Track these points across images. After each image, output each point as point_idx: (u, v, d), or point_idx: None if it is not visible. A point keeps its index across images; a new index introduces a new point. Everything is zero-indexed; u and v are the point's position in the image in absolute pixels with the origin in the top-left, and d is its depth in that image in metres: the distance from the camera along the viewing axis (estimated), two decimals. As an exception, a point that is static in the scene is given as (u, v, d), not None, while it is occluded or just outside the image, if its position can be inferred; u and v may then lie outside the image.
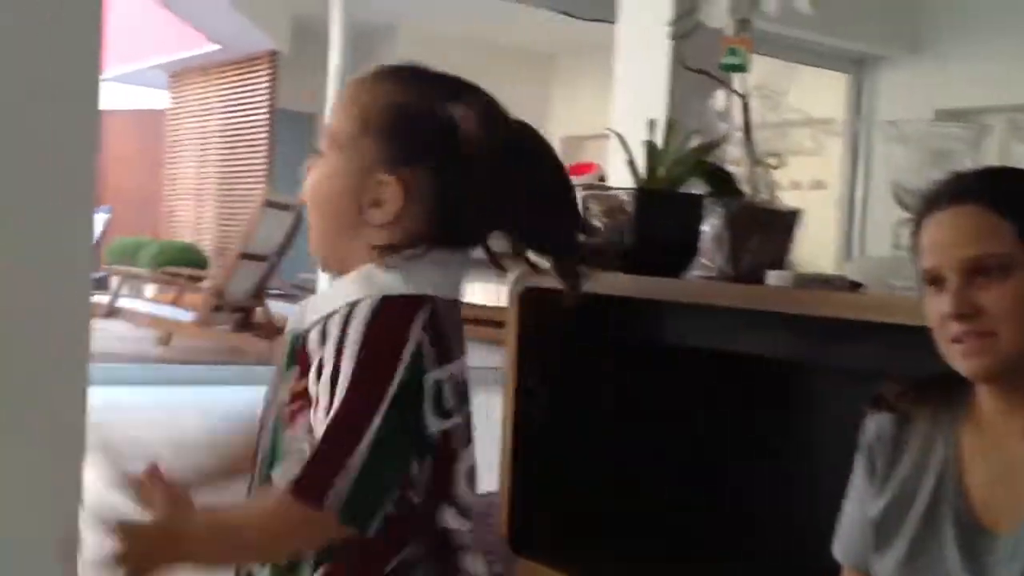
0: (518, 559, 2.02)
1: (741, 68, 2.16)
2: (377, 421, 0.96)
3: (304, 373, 1.04)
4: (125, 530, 0.94)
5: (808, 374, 2.09)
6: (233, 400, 5.33)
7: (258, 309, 7.23)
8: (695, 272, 2.17)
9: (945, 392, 1.27)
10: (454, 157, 1.04)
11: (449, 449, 1.05)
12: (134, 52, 10.09)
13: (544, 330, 2.05)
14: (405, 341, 0.98)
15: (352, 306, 1.01)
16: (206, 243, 10.15)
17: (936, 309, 1.19)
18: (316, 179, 1.09)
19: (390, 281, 1.02)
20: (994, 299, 1.15)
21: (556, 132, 9.57)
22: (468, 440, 1.09)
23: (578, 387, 2.11)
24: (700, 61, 2.36)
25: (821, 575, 1.39)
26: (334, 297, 1.05)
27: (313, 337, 1.04)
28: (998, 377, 1.19)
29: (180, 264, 9.02)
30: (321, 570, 1.02)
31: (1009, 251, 1.15)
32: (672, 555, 2.10)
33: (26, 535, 1.77)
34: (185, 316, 7.14)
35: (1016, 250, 1.15)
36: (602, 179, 9.38)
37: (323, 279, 1.08)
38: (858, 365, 1.79)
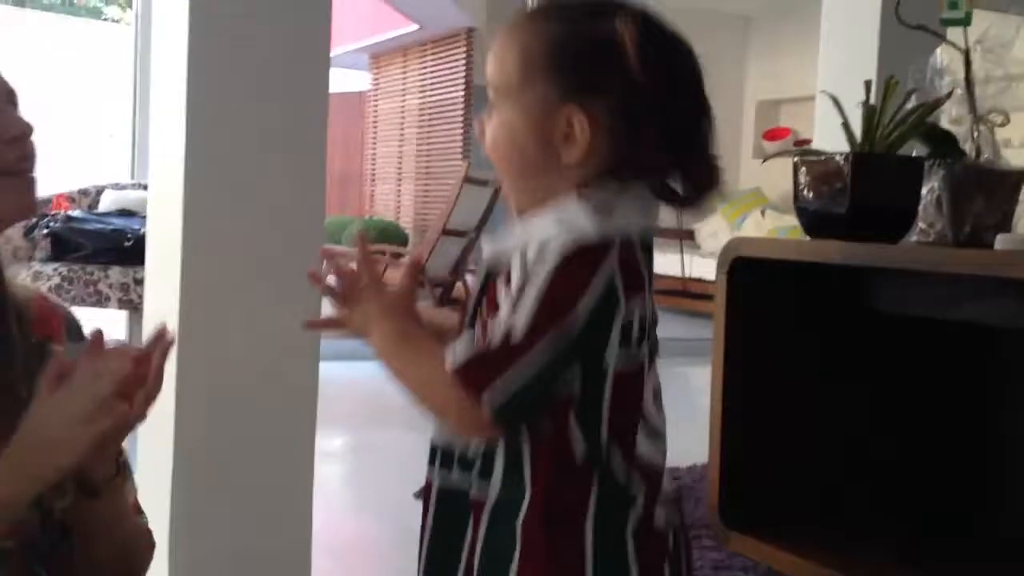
0: (730, 533, 2.01)
1: (964, 21, 2.05)
2: (553, 339, 0.97)
3: (492, 306, 1.04)
4: (374, 286, 1.06)
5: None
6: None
7: (457, 284, 7.39)
8: (913, 238, 2.09)
9: None
10: (624, 77, 1.01)
11: (636, 376, 1.04)
12: (337, 36, 10.44)
13: (754, 300, 2.02)
14: (590, 281, 0.98)
15: (544, 244, 1.00)
16: (406, 221, 10.45)
17: None
18: (494, 131, 1.08)
19: (584, 224, 1.00)
20: None
21: (752, 96, 9.35)
22: (651, 363, 1.07)
23: (789, 358, 2.07)
24: (916, 16, 2.26)
25: None
26: (526, 233, 1.03)
27: (515, 263, 1.03)
28: None
29: (383, 242, 9.32)
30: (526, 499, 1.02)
31: None
32: (886, 529, 2.03)
33: (268, 493, 1.89)
34: (389, 291, 7.37)
35: None
36: (796, 143, 9.10)
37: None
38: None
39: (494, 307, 1.03)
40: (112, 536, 1.14)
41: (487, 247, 1.08)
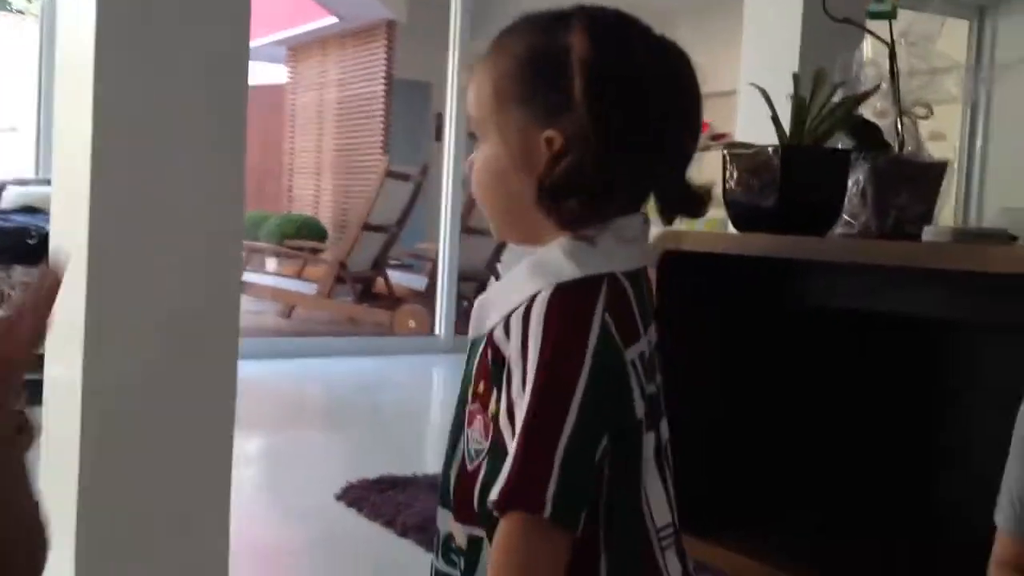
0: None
1: (890, 15, 2.05)
2: (573, 415, 0.88)
3: (484, 375, 0.97)
4: None
5: (964, 333, 1.98)
6: (356, 371, 5.42)
7: (379, 279, 7.31)
8: (839, 230, 2.09)
9: None
10: (589, 91, 0.92)
11: (641, 425, 0.96)
12: (254, 28, 10.25)
13: (685, 294, 1.99)
14: (588, 330, 0.90)
15: (532, 299, 0.93)
16: (325, 216, 10.32)
17: None
18: (478, 168, 1.01)
19: (563, 266, 0.93)
20: None
21: (672, 93, 9.42)
22: (660, 414, 1.00)
23: (722, 353, 2.05)
24: (840, 10, 2.26)
25: (978, 544, 1.31)
26: (511, 291, 0.97)
27: (498, 335, 0.96)
28: None
29: (301, 237, 9.19)
30: None
31: None
32: (824, 525, 2.03)
33: (181, 497, 1.81)
34: (307, 288, 7.26)
35: None
36: (714, 137, 9.28)
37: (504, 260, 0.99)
38: (1018, 322, 1.69)
39: (484, 372, 0.97)
40: (8, 510, 1.01)
41: (474, 311, 1.01)
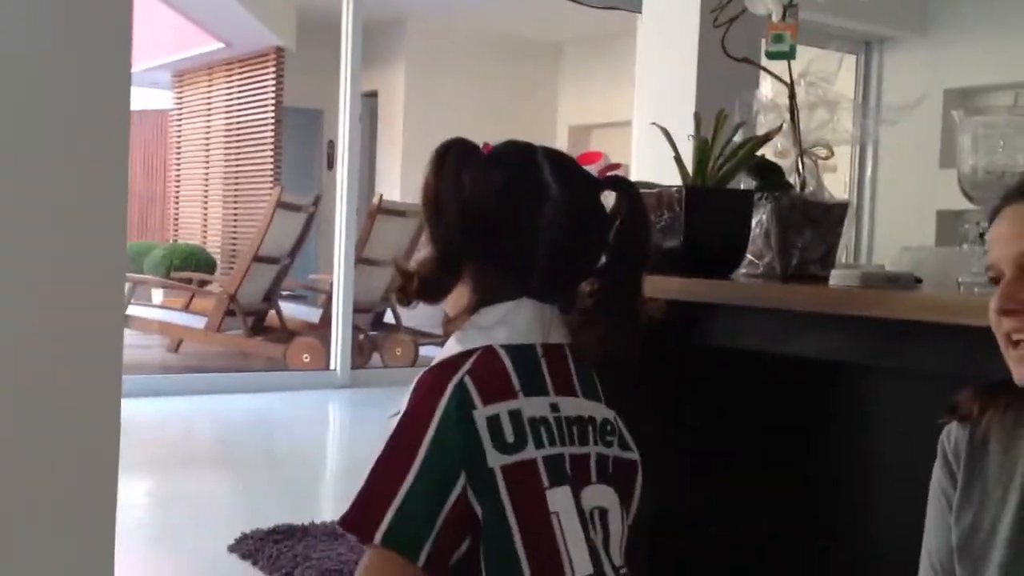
0: None
1: (789, 55, 2.06)
2: (418, 459, 1.05)
3: None
4: None
5: (870, 377, 1.99)
6: (248, 408, 5.26)
7: (271, 312, 7.14)
8: (743, 270, 2.08)
9: (1022, 399, 1.18)
10: (466, 211, 1.14)
11: (530, 485, 1.06)
12: (136, 52, 9.98)
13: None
14: (441, 395, 1.07)
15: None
16: (213, 246, 10.07)
17: (991, 306, 1.14)
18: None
19: (449, 346, 1.14)
20: None
21: (564, 121, 9.49)
22: (585, 479, 1.11)
23: (632, 394, 2.02)
24: (734, 49, 2.27)
25: None
26: None
27: None
28: None
29: (188, 268, 8.93)
30: None
31: None
32: (723, 559, 2.01)
33: (60, 548, 1.70)
34: (196, 322, 7.05)
35: None
36: (608, 167, 9.42)
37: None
38: (925, 367, 1.69)
39: None
40: None
41: None
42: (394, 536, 1.04)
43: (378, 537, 1.04)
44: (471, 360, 1.10)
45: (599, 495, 1.12)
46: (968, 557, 1.19)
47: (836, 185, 6.14)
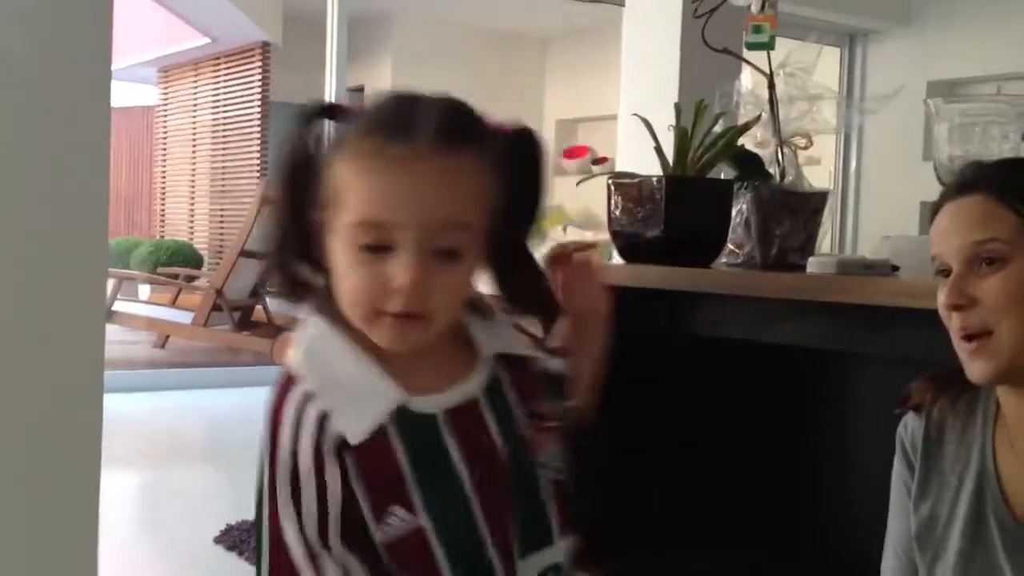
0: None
1: (768, 46, 2.07)
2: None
3: (533, 396, 1.09)
4: None
5: (848, 363, 2.01)
6: (236, 403, 5.25)
7: (257, 307, 7.14)
8: (724, 259, 2.10)
9: (974, 387, 1.19)
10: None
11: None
12: (121, 48, 9.95)
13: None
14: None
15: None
16: (200, 242, 10.05)
17: (940, 300, 1.15)
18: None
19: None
20: (988, 289, 1.10)
21: (551, 115, 9.49)
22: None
23: (609, 384, 2.03)
24: (717, 40, 2.28)
25: (850, 568, 1.31)
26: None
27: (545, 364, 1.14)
28: (1005, 379, 1.13)
29: (175, 264, 8.92)
30: None
31: (1007, 240, 1.10)
32: (703, 545, 2.02)
33: (43, 543, 1.70)
34: (182, 317, 7.04)
35: (1016, 240, 1.10)
36: (595, 161, 9.35)
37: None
38: (902, 352, 1.71)
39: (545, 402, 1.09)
40: None
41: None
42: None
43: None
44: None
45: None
46: (928, 547, 1.20)
47: (820, 176, 6.18)
